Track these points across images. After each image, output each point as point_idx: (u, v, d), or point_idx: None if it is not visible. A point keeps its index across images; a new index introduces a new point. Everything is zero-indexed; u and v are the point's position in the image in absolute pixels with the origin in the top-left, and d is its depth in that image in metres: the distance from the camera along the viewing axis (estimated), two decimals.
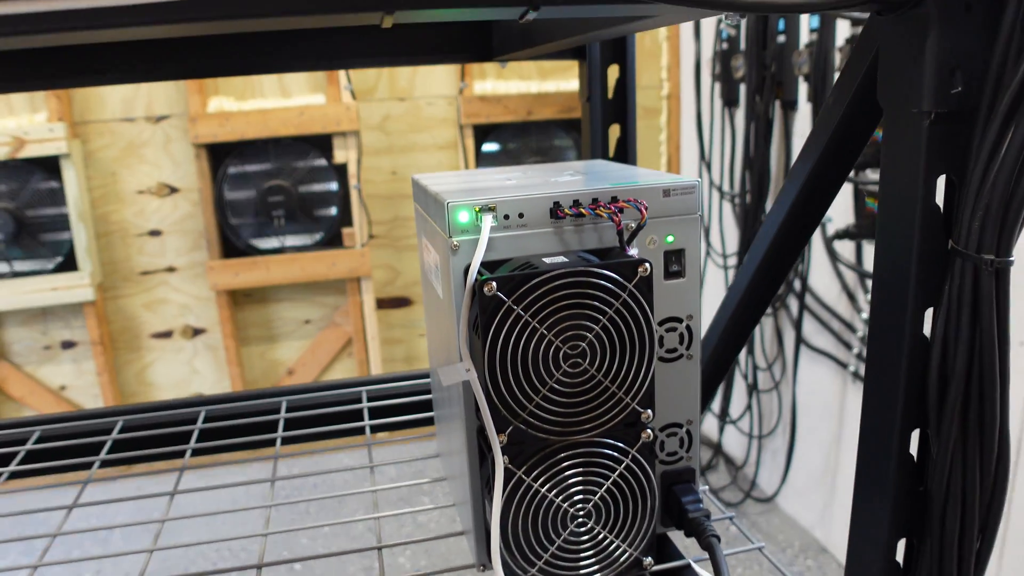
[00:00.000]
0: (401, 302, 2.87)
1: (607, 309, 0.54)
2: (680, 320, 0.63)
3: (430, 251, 0.68)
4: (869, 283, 1.79)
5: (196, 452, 0.95)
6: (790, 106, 2.01)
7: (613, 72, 1.05)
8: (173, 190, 2.60)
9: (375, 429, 0.96)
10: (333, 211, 2.64)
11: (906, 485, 0.52)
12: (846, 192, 1.78)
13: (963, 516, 0.50)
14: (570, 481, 0.57)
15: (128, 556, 0.79)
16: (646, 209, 0.57)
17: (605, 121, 1.05)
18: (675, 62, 2.75)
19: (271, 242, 2.61)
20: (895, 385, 0.50)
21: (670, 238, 0.61)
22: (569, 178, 0.66)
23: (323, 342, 2.81)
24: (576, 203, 0.58)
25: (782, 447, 2.26)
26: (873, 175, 1.63)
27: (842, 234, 1.69)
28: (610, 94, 1.05)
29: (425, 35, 0.95)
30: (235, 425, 0.99)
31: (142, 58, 0.89)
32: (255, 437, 0.96)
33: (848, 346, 1.91)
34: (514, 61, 0.99)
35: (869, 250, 1.79)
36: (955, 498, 0.50)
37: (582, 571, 0.59)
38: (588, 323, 0.54)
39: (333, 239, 2.66)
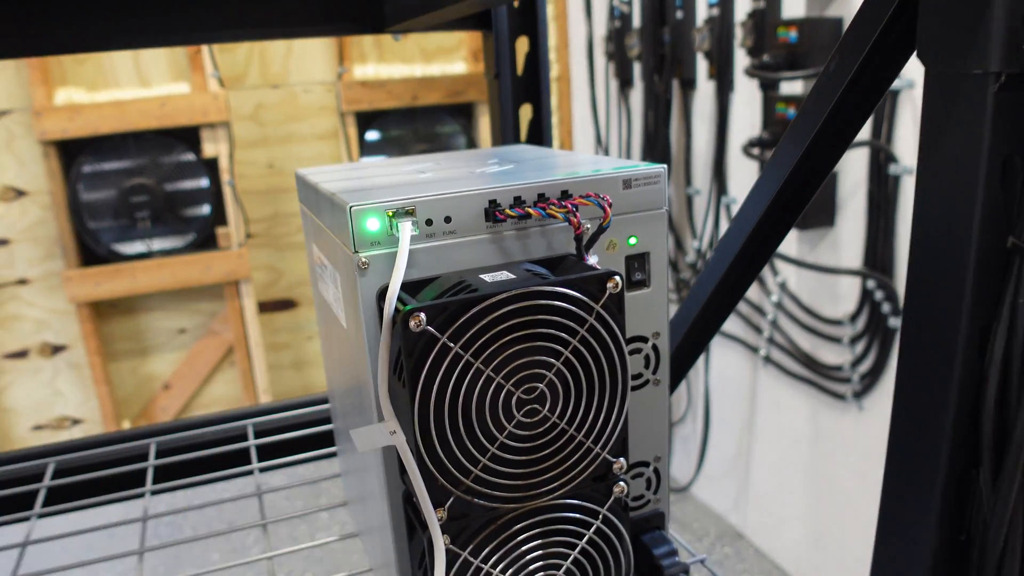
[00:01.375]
0: (285, 304, 2.67)
1: (570, 339, 0.42)
2: (646, 339, 0.52)
3: (324, 265, 0.53)
4: (777, 261, 1.75)
5: (44, 516, 0.77)
6: (689, 84, 1.94)
7: (522, 45, 0.92)
8: (20, 193, 2.31)
9: (265, 471, 0.81)
10: (205, 210, 2.41)
11: (946, 537, 0.42)
12: (755, 100, 1.72)
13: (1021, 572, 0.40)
14: (528, 557, 0.45)
15: None
16: (610, 206, 0.45)
17: (516, 100, 0.92)
18: (563, 43, 2.65)
19: (136, 247, 2.36)
20: (941, 419, 0.40)
21: (632, 240, 0.49)
22: (498, 168, 0.53)
23: (201, 352, 2.58)
24: (518, 200, 0.45)
25: (693, 435, 2.21)
26: (787, 83, 1.57)
27: (755, 142, 1.61)
28: (519, 70, 0.93)
29: (305, 1, 0.79)
30: (94, 479, 0.81)
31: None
32: (117, 494, 0.79)
33: (758, 329, 1.87)
34: (410, 32, 0.85)
35: None
36: (1013, 553, 0.40)
37: None
38: (547, 358, 0.41)
39: (206, 240, 2.43)
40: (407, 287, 0.43)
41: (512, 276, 0.42)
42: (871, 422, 1.57)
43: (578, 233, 0.44)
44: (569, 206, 0.44)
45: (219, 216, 2.42)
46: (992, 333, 0.38)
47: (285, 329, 2.69)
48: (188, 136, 2.33)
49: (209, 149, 2.35)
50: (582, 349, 0.42)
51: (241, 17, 0.78)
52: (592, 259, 0.46)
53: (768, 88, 1.64)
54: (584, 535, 0.46)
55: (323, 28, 0.81)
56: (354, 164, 0.61)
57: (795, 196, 0.52)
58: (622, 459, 0.45)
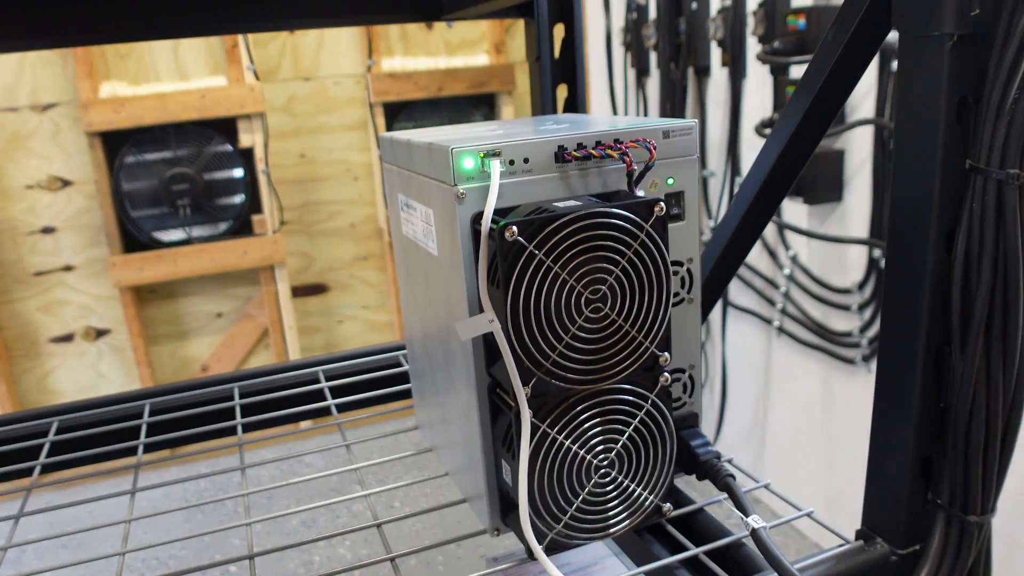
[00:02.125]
0: (317, 289, 2.79)
1: (626, 251, 0.53)
2: (681, 264, 0.63)
3: (415, 209, 0.65)
4: (789, 236, 1.85)
5: (46, 468, 0.86)
6: (704, 72, 2.05)
7: (559, 32, 1.03)
8: (66, 183, 2.44)
9: (248, 428, 0.91)
10: (240, 198, 2.53)
11: (929, 402, 0.53)
12: (766, 85, 1.82)
13: (987, 427, 0.51)
14: (592, 431, 0.56)
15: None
16: (655, 148, 0.56)
17: (555, 81, 1.03)
18: (582, 35, 2.75)
19: (176, 234, 2.48)
20: (919, 304, 0.51)
21: (671, 180, 0.60)
22: (556, 126, 0.64)
23: (237, 335, 2.70)
24: (580, 146, 0.56)
25: (710, 407, 2.32)
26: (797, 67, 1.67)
27: (767, 123, 1.72)
28: (556, 54, 1.04)
29: None
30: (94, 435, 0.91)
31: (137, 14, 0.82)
32: (117, 446, 0.89)
33: (771, 302, 1.97)
34: (463, 19, 0.96)
35: (788, 204, 1.85)
36: (980, 410, 0.51)
37: (609, 522, 0.58)
38: (608, 266, 0.52)
39: (242, 227, 2.56)
40: (496, 212, 0.54)
41: (579, 203, 0.54)
42: None
43: (630, 170, 0.55)
44: (624, 147, 0.55)
45: (254, 204, 2.54)
46: (955, 234, 0.49)
47: (317, 313, 2.81)
48: (225, 127, 2.46)
49: (245, 139, 2.47)
50: (635, 259, 0.53)
51: (310, 6, 0.89)
52: (640, 193, 0.57)
53: (778, 73, 1.74)
54: (637, 416, 0.57)
55: (385, 16, 0.92)
56: (431, 128, 0.72)
57: (808, 137, 0.63)
58: (666, 353, 0.56)
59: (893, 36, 0.57)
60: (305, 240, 2.72)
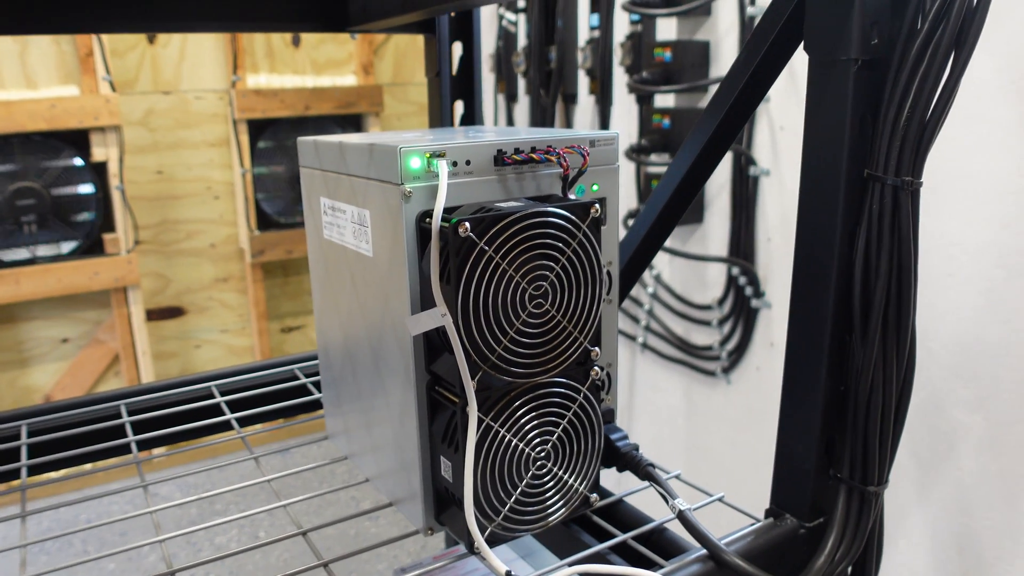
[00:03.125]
0: (173, 312, 2.66)
1: (565, 249, 0.56)
2: (602, 266, 0.66)
3: (343, 211, 0.65)
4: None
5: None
6: (571, 99, 2.14)
7: (457, 49, 1.06)
8: None
9: (143, 445, 0.86)
10: (91, 215, 2.38)
11: (831, 387, 0.59)
12: (631, 112, 1.92)
13: (883, 407, 0.58)
14: (530, 424, 0.58)
15: None
16: (588, 154, 0.59)
17: (453, 97, 1.06)
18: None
19: (19, 252, 2.30)
20: (824, 299, 0.57)
21: (595, 187, 0.64)
22: (480, 134, 0.67)
23: (85, 362, 2.53)
24: (517, 151, 0.59)
25: None
26: (661, 97, 1.78)
27: (636, 148, 1.81)
28: (454, 71, 1.06)
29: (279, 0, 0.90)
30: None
31: None
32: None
33: (635, 319, 2.07)
34: (367, 32, 0.97)
35: None
36: (877, 392, 0.57)
37: (545, 513, 0.60)
38: (549, 263, 0.55)
39: (93, 246, 2.41)
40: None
41: (520, 204, 0.56)
42: (738, 394, 1.79)
43: (565, 174, 0.59)
44: (561, 152, 0.58)
45: (106, 222, 2.40)
46: (856, 235, 0.55)
47: (172, 337, 2.68)
48: (76, 140, 2.31)
49: (98, 153, 2.33)
50: (573, 257, 0.56)
51: (218, 9, 0.88)
52: (572, 196, 0.60)
53: (644, 101, 1.85)
54: (571, 408, 0.60)
55: (294, 24, 0.92)
56: (352, 135, 0.73)
57: (714, 151, 0.68)
58: (597, 348, 0.60)
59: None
60: (161, 260, 2.59)
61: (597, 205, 0.57)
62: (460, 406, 0.55)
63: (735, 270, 1.72)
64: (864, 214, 0.55)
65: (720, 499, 0.68)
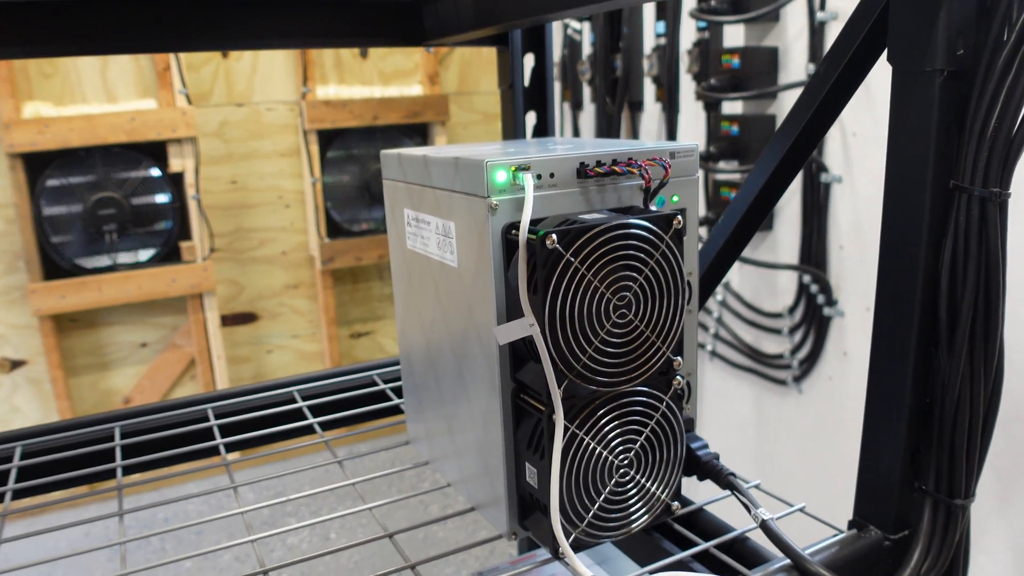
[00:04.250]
0: (247, 317, 2.74)
1: (649, 260, 0.57)
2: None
3: (428, 223, 0.67)
4: None
5: (18, 494, 0.83)
6: (637, 107, 2.14)
7: (529, 61, 1.07)
8: None
9: (230, 448, 0.89)
10: (169, 224, 2.47)
11: (917, 398, 0.59)
12: (698, 119, 1.91)
13: (970, 419, 0.57)
14: (614, 432, 0.59)
15: None
16: (670, 167, 0.60)
17: (525, 107, 1.07)
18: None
19: (100, 260, 2.40)
20: (910, 311, 0.57)
21: (675, 198, 0.65)
22: (564, 146, 0.68)
23: (162, 366, 2.62)
24: (599, 163, 0.60)
25: None
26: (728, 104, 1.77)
27: (705, 156, 1.80)
28: (526, 82, 1.08)
29: (357, 16, 0.93)
30: (63, 459, 0.88)
31: (75, 26, 0.81)
32: (89, 469, 0.86)
33: (704, 327, 2.05)
34: (442, 46, 0.99)
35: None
36: (964, 404, 0.56)
37: (627, 520, 0.61)
38: (633, 274, 0.56)
39: (170, 254, 2.49)
40: (519, 224, 0.57)
41: (603, 216, 0.57)
42: (809, 404, 1.77)
43: (648, 186, 0.59)
44: (643, 164, 0.59)
45: (183, 230, 2.49)
46: (942, 246, 0.55)
47: (245, 342, 2.76)
48: (154, 151, 2.40)
49: (175, 164, 2.42)
50: (656, 268, 0.57)
51: (302, 27, 0.91)
52: (652, 207, 0.61)
53: (711, 109, 1.84)
54: (654, 416, 0.60)
55: (373, 39, 0.95)
56: (434, 148, 0.75)
57: (793, 161, 0.68)
58: (679, 358, 0.60)
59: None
60: (235, 267, 2.67)
61: (679, 217, 0.58)
62: (546, 414, 0.56)
63: (806, 278, 1.70)
64: (950, 225, 0.55)
65: (801, 509, 0.68)
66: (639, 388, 0.60)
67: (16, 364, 2.46)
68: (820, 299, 1.68)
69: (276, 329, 2.78)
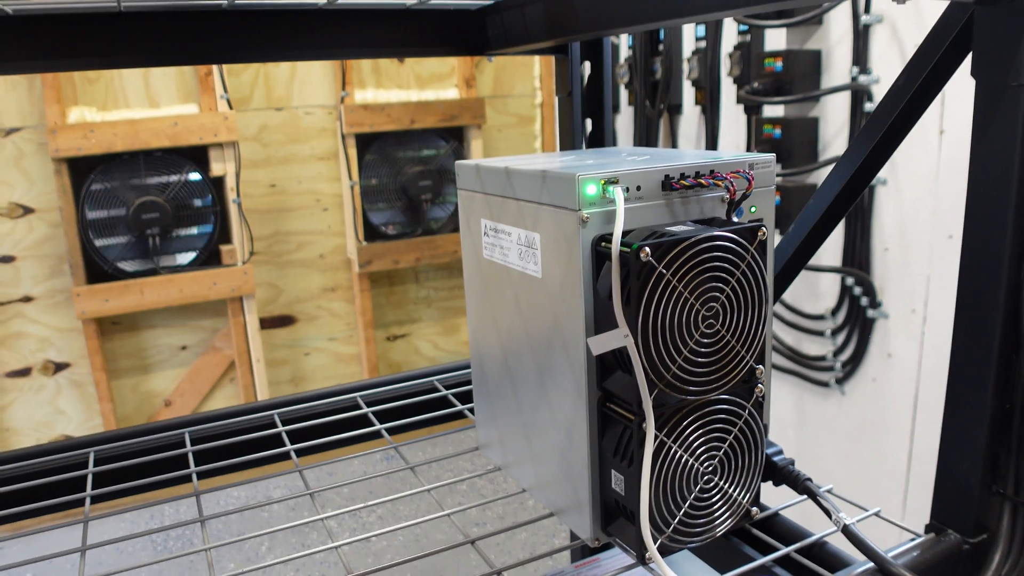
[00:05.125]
0: (285, 320, 2.77)
1: (735, 271, 0.58)
2: None
3: (509, 234, 0.69)
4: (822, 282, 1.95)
5: (96, 499, 0.84)
6: (675, 110, 2.14)
7: (586, 69, 1.09)
8: (27, 210, 2.38)
9: (299, 453, 0.91)
10: (209, 228, 2.51)
11: (998, 404, 0.59)
12: (739, 123, 1.91)
13: None
14: (699, 440, 0.60)
15: None
16: (753, 179, 0.61)
17: (584, 114, 1.09)
18: (548, 72, 2.84)
19: (142, 264, 2.44)
20: (992, 318, 0.57)
21: (753, 208, 0.66)
22: (638, 157, 0.69)
23: (202, 368, 2.66)
24: (682, 176, 0.61)
25: None
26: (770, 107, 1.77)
27: None
28: (582, 90, 1.09)
29: (420, 26, 0.95)
30: (136, 464, 0.90)
31: (123, 39, 0.83)
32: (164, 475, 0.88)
33: None
34: (504, 55, 1.01)
35: None
36: None
37: (710, 525, 0.62)
38: (720, 285, 0.57)
39: (210, 258, 2.53)
40: (608, 237, 0.58)
41: (690, 228, 0.59)
42: (852, 406, 1.77)
43: (733, 198, 0.61)
44: (729, 177, 0.60)
45: (223, 234, 2.52)
46: None
47: (284, 345, 2.79)
48: (196, 155, 2.44)
49: (216, 168, 2.46)
50: (742, 279, 0.58)
51: (373, 38, 0.93)
52: (735, 219, 0.62)
53: (752, 112, 1.84)
54: (737, 424, 0.62)
55: (435, 49, 0.97)
56: (507, 158, 0.76)
57: (867, 170, 0.69)
58: (761, 366, 0.62)
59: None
60: (273, 271, 2.71)
61: (764, 228, 0.59)
62: (636, 422, 0.58)
63: (849, 280, 1.70)
64: None
65: (876, 514, 0.69)
66: (723, 396, 0.61)
67: (60, 367, 2.51)
68: (864, 301, 1.68)
69: (314, 332, 2.81)
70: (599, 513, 0.65)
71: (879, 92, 1.59)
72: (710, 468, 0.61)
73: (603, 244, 0.58)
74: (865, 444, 1.75)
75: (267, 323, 2.73)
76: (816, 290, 1.82)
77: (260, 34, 0.88)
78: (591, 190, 0.58)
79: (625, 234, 0.59)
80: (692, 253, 0.56)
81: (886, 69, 1.56)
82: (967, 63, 0.58)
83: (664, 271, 0.55)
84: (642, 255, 0.54)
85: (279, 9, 0.88)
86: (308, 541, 2.27)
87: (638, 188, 0.60)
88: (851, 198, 0.72)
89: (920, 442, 1.58)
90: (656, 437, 0.58)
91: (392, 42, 0.94)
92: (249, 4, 0.85)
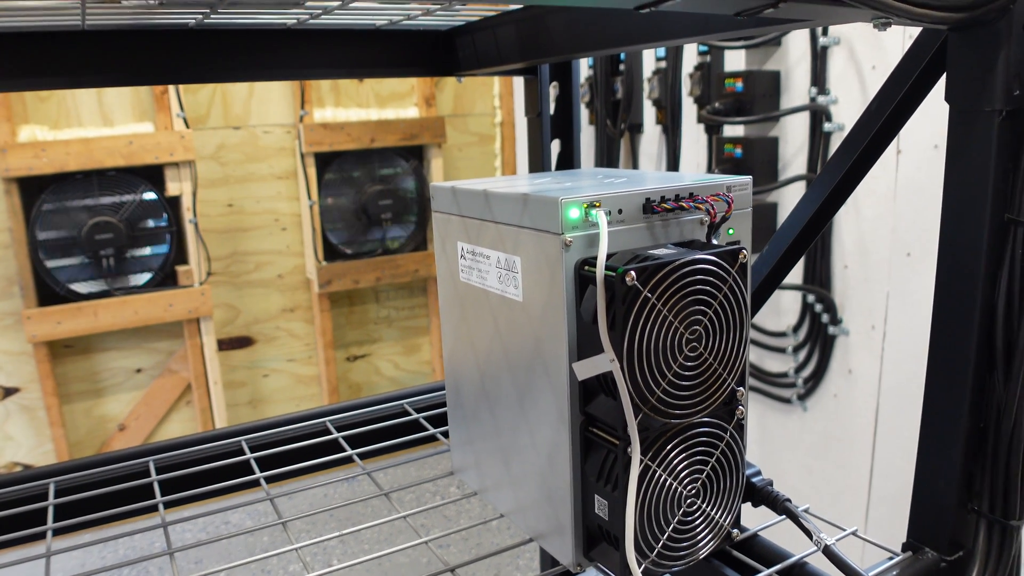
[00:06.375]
0: (243, 342, 2.72)
1: (717, 294, 0.58)
2: None
3: (488, 257, 0.68)
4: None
5: (58, 531, 0.81)
6: (637, 129, 2.16)
7: (553, 90, 1.09)
8: None
9: (270, 480, 0.88)
10: (165, 248, 2.46)
11: (973, 423, 0.60)
12: (699, 142, 1.93)
13: None
14: (683, 463, 0.60)
15: None
16: (733, 202, 0.62)
17: (552, 135, 1.09)
18: (507, 91, 2.85)
19: (95, 285, 2.38)
20: (967, 339, 0.58)
21: (731, 231, 0.66)
22: (616, 180, 0.69)
23: (158, 391, 2.60)
24: (663, 199, 0.61)
25: None
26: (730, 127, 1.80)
27: None
28: (551, 111, 1.10)
29: (392, 47, 0.94)
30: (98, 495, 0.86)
31: (87, 58, 0.81)
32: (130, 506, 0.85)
33: None
34: (473, 76, 1.01)
35: None
36: (1020, 428, 0.58)
37: (693, 549, 0.62)
38: (703, 308, 0.58)
39: (166, 279, 2.48)
40: (591, 260, 0.58)
41: (672, 251, 0.59)
42: (815, 422, 1.79)
43: (713, 221, 0.61)
44: (710, 200, 0.60)
45: (179, 255, 2.48)
46: (999, 277, 0.57)
47: (242, 367, 2.74)
48: (151, 175, 2.39)
49: (172, 188, 2.41)
50: (724, 302, 0.58)
51: (343, 59, 0.92)
52: (715, 241, 0.62)
53: (713, 131, 1.87)
54: (719, 446, 0.62)
55: (408, 70, 0.96)
56: (484, 180, 0.76)
57: (840, 193, 0.71)
58: (742, 388, 0.62)
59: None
60: (231, 291, 2.66)
61: (744, 250, 0.59)
62: (621, 447, 0.57)
63: (811, 297, 1.72)
64: (1006, 257, 0.57)
65: (854, 533, 0.69)
66: (705, 419, 0.61)
67: (9, 391, 2.43)
68: (825, 318, 1.70)
69: (272, 353, 2.76)
70: (581, 538, 0.64)
71: (837, 112, 1.63)
72: (693, 491, 0.61)
73: (587, 268, 0.58)
74: (827, 459, 1.77)
75: (225, 344, 2.68)
76: (777, 307, 1.84)
77: (228, 54, 0.87)
78: (574, 214, 0.58)
79: (607, 257, 0.59)
80: (676, 276, 0.56)
81: (844, 90, 1.60)
82: (939, 86, 0.60)
83: (649, 295, 0.55)
84: (627, 279, 0.54)
85: (247, 29, 0.87)
86: (268, 567, 2.22)
87: (620, 211, 0.60)
88: (824, 219, 0.74)
89: (881, 457, 1.60)
90: (641, 461, 0.58)
91: (361, 63, 0.94)
92: (216, 24, 0.84)
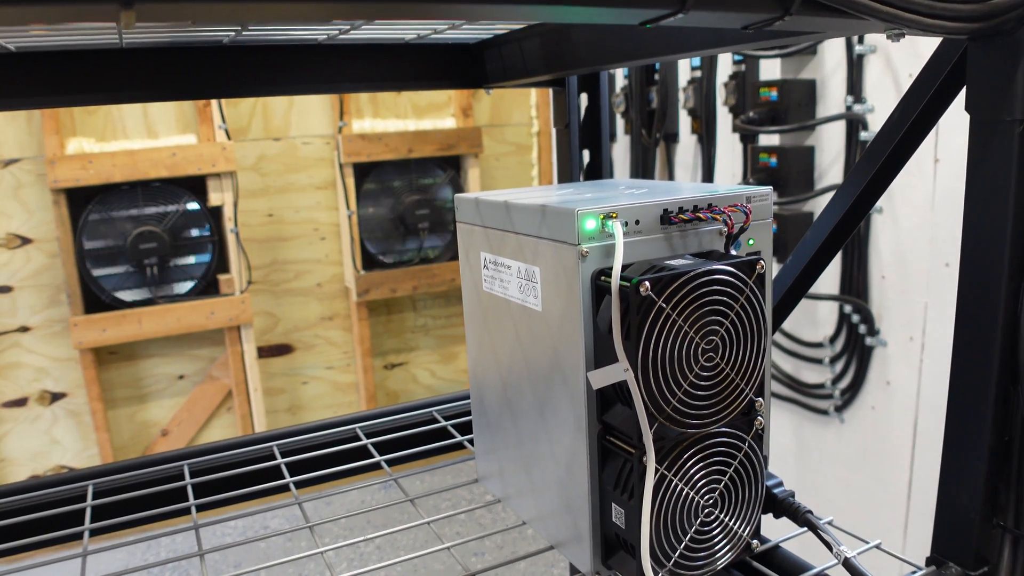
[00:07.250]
0: (282, 349, 2.77)
1: (734, 304, 0.58)
2: None
3: (509, 267, 0.69)
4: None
5: (95, 532, 0.83)
6: (672, 138, 2.16)
7: (583, 101, 1.10)
8: (25, 241, 2.38)
9: (299, 485, 0.90)
10: (207, 257, 2.51)
11: (996, 437, 0.59)
12: (734, 151, 1.92)
13: None
14: (699, 473, 0.60)
15: None
16: (751, 212, 0.62)
17: (581, 146, 1.10)
18: (544, 101, 2.87)
19: (139, 293, 2.44)
20: (990, 352, 0.58)
21: (751, 241, 0.66)
22: (636, 191, 0.70)
23: (199, 398, 2.65)
24: (681, 209, 0.62)
25: None
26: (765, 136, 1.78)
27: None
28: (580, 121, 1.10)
29: (421, 60, 0.96)
30: (134, 497, 0.88)
31: (125, 75, 0.84)
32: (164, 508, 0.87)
33: None
34: (502, 88, 1.02)
35: None
36: None
37: (712, 559, 0.62)
38: (719, 318, 0.58)
39: (208, 287, 2.53)
40: (607, 271, 0.59)
41: (689, 262, 0.59)
42: (852, 433, 1.76)
43: (731, 232, 0.61)
44: (727, 211, 0.61)
45: (221, 263, 2.53)
46: (1021, 289, 0.56)
47: (281, 374, 2.78)
48: (194, 185, 2.45)
49: (215, 198, 2.47)
50: (741, 312, 0.59)
51: (374, 72, 0.94)
52: (733, 252, 0.62)
53: (748, 140, 1.86)
54: (737, 457, 0.62)
55: (438, 83, 0.98)
56: (507, 191, 0.77)
57: (864, 202, 0.70)
58: (760, 399, 0.62)
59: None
60: (271, 300, 2.71)
61: (762, 261, 0.59)
62: (637, 456, 0.58)
63: (848, 308, 1.70)
64: None
65: (877, 546, 0.69)
66: (723, 429, 0.61)
67: (56, 397, 2.50)
68: (862, 329, 1.68)
69: (311, 360, 2.81)
70: (599, 546, 0.64)
71: (874, 121, 1.61)
72: (710, 501, 0.61)
73: (603, 278, 0.58)
74: (865, 473, 1.75)
75: (265, 352, 2.73)
76: (814, 318, 1.82)
77: (261, 69, 0.89)
78: (590, 224, 0.58)
79: (624, 268, 0.59)
80: (691, 287, 0.56)
81: (880, 98, 1.58)
82: (962, 95, 0.59)
83: (664, 305, 0.55)
84: (642, 289, 0.54)
85: (280, 45, 0.89)
86: (305, 572, 2.25)
87: (637, 222, 0.60)
88: (848, 229, 0.73)
89: (920, 471, 1.58)
90: (656, 470, 0.58)
91: (392, 76, 0.95)
92: (249, 40, 0.86)
